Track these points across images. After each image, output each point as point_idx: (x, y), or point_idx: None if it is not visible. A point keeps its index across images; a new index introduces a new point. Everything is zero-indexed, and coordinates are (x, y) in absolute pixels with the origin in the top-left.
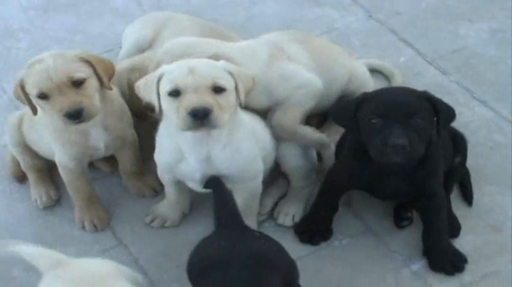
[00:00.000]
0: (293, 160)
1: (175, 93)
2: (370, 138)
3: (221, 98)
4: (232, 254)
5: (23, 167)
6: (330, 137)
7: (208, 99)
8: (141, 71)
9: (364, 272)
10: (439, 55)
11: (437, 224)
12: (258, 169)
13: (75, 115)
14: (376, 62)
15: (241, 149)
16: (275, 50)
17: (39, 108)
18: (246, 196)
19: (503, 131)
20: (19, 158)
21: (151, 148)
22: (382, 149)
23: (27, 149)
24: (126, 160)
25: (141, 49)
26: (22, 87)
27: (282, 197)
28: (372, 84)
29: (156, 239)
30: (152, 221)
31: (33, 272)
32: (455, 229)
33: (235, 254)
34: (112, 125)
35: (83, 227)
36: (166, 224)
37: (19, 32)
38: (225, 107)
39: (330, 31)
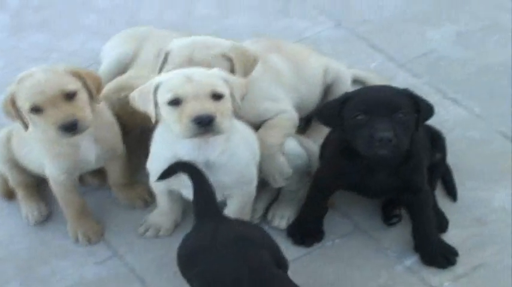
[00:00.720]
0: (292, 164)
1: (175, 102)
2: (356, 134)
3: (220, 105)
4: (215, 239)
5: (12, 183)
6: (315, 141)
7: (209, 106)
8: (128, 89)
9: (359, 270)
10: (409, 59)
11: (426, 219)
12: (253, 173)
13: (70, 127)
14: (355, 71)
15: (238, 154)
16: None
17: (30, 123)
18: (240, 201)
19: (478, 128)
20: (8, 174)
21: (139, 159)
22: (369, 143)
23: (16, 165)
24: (116, 172)
25: (122, 64)
26: (13, 102)
27: (273, 201)
28: (348, 75)
29: (150, 248)
30: (146, 231)
31: None
32: (443, 223)
33: (219, 239)
34: (102, 138)
35: (77, 241)
36: (160, 234)
37: None
38: (224, 113)
39: (300, 40)
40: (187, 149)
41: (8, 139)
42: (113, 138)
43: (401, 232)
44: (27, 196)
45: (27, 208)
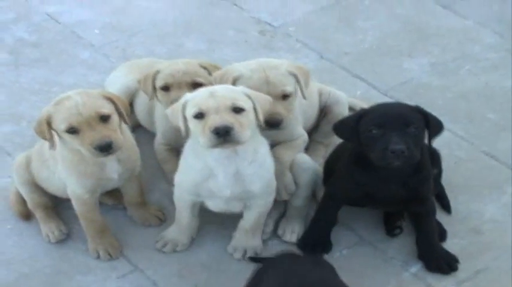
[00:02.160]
0: (305, 177)
1: (199, 115)
2: (372, 146)
3: (241, 117)
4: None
5: (30, 205)
6: (315, 159)
7: (228, 117)
8: None
9: (368, 279)
10: (390, 87)
11: (430, 228)
12: (275, 184)
13: (106, 148)
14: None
15: (265, 165)
16: None
17: (58, 144)
18: (258, 213)
19: (463, 148)
20: (27, 196)
21: (149, 181)
22: (384, 155)
23: (35, 187)
24: (132, 192)
25: (131, 91)
26: (48, 123)
27: (280, 217)
28: (343, 95)
29: (169, 262)
30: (163, 246)
31: None
32: (442, 233)
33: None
34: (125, 158)
35: (98, 257)
36: (177, 248)
37: None
38: (245, 125)
39: None
40: (217, 160)
41: (28, 163)
42: (134, 159)
43: (403, 242)
44: (47, 217)
45: (47, 227)
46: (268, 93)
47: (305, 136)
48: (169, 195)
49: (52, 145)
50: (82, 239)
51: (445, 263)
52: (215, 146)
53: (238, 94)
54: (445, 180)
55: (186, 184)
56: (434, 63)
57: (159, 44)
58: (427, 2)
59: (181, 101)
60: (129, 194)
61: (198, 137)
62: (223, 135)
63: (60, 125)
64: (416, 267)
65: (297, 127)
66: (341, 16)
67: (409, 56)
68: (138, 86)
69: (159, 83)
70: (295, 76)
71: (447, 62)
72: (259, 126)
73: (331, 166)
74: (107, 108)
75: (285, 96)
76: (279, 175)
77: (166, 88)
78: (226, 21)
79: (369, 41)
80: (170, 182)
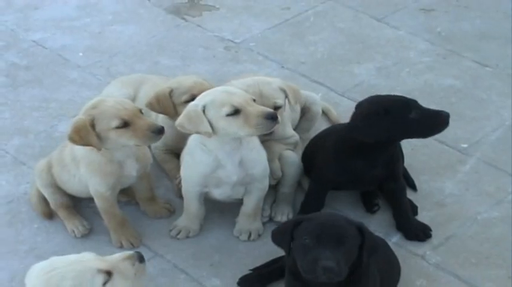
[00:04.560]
0: (291, 170)
1: (234, 112)
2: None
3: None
4: None
5: (53, 205)
6: (296, 151)
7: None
8: None
9: None
10: (346, 89)
11: (404, 203)
12: (268, 169)
13: (161, 131)
14: None
15: (261, 150)
16: None
17: (81, 148)
18: (257, 197)
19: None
20: (49, 198)
21: (153, 179)
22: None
23: (57, 189)
24: (143, 188)
25: None
26: (93, 126)
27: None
28: (316, 97)
29: (184, 247)
30: (177, 233)
31: None
32: (413, 208)
33: None
34: (141, 155)
35: (121, 246)
36: (190, 234)
37: None
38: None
39: None
40: (227, 152)
41: (49, 167)
42: (148, 156)
43: (382, 217)
44: (69, 215)
45: (71, 224)
46: (262, 105)
47: (296, 137)
48: (173, 190)
49: (98, 146)
50: (104, 232)
51: (420, 232)
52: (267, 130)
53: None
54: (406, 164)
55: (195, 177)
56: (379, 68)
57: (138, 62)
58: (363, 16)
59: (197, 107)
60: (141, 191)
61: (239, 131)
62: (275, 119)
63: (110, 123)
64: (396, 237)
65: (287, 129)
66: (292, 32)
67: (357, 63)
68: (149, 107)
69: (184, 97)
70: (284, 92)
71: (389, 66)
72: None
73: (309, 157)
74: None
75: (276, 108)
76: (268, 162)
77: (191, 100)
78: (194, 40)
79: (321, 52)
80: (172, 179)
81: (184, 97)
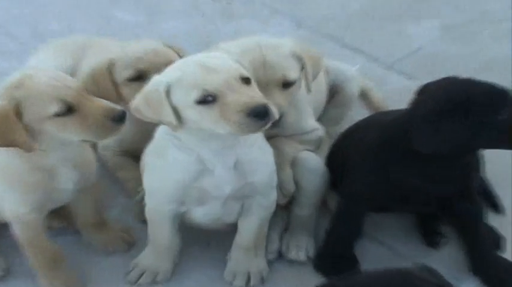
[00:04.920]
0: (311, 181)
1: (208, 99)
2: None
3: (252, 89)
4: None
5: None
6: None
7: (253, 93)
8: None
9: None
10: (396, 58)
11: (482, 233)
12: (276, 176)
13: (122, 116)
14: None
15: (264, 147)
16: None
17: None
18: (260, 218)
19: None
20: None
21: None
22: None
23: None
24: (87, 208)
25: None
26: (17, 114)
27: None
28: (353, 71)
29: None
30: (139, 277)
31: None
32: (497, 240)
33: None
34: (81, 160)
35: None
36: (158, 278)
37: None
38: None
39: None
40: (215, 151)
41: None
42: (89, 159)
43: (448, 254)
44: None
45: None
46: (265, 80)
47: (319, 131)
48: (132, 210)
49: (27, 146)
50: (27, 275)
51: (509, 276)
52: (253, 131)
53: (234, 63)
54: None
55: (166, 189)
56: (446, 27)
57: (80, 17)
58: None
59: (158, 86)
60: (84, 213)
61: (212, 127)
62: (266, 117)
63: (45, 108)
64: (471, 284)
65: (304, 120)
66: None
67: (414, 20)
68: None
69: (124, 73)
70: (300, 60)
71: (462, 25)
72: None
73: (338, 162)
74: None
75: (286, 84)
76: (276, 168)
77: (138, 78)
78: None
79: (357, 2)
80: (130, 193)
81: (126, 73)
